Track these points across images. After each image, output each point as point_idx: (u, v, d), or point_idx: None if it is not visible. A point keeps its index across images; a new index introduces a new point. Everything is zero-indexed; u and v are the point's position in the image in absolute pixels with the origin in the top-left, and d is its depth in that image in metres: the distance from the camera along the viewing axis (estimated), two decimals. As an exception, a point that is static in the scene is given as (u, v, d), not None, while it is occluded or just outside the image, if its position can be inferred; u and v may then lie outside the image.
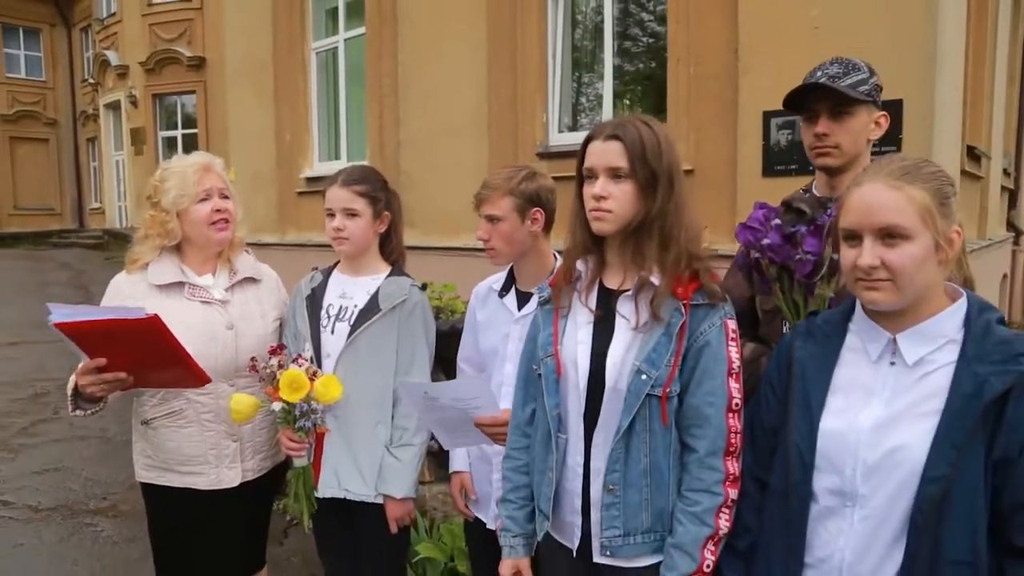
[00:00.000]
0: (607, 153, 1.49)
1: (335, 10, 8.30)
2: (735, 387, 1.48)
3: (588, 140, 1.55)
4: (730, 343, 1.49)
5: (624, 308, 1.53)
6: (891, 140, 4.34)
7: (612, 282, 1.58)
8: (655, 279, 1.49)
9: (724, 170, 4.96)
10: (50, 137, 21.99)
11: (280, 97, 8.78)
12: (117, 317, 1.69)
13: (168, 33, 14.40)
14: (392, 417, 2.11)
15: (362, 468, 2.08)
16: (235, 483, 2.08)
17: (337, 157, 8.52)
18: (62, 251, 17.06)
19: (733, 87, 4.91)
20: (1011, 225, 8.13)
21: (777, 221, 1.64)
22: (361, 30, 7.72)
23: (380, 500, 2.08)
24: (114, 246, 15.91)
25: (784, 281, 1.63)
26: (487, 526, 2.05)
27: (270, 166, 8.86)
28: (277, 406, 1.91)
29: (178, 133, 15.27)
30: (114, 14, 15.92)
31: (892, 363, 1.31)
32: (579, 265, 1.60)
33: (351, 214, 2.10)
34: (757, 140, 4.76)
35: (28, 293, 10.49)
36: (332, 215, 2.12)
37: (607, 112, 5.97)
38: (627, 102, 6.48)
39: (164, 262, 2.10)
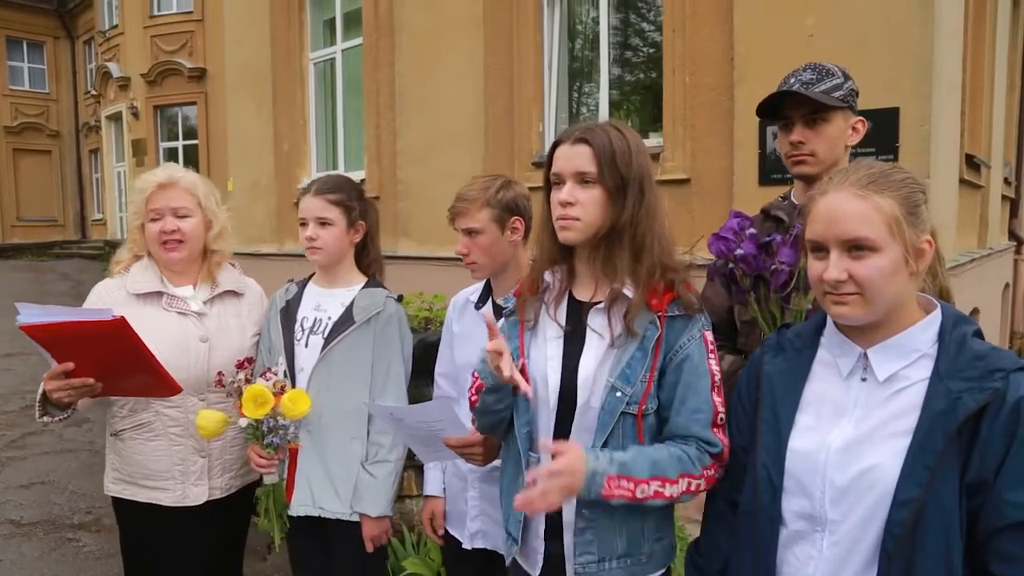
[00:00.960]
0: (575, 157, 1.43)
1: (332, 21, 8.31)
2: (719, 401, 1.42)
3: (556, 144, 1.48)
4: (710, 355, 1.44)
5: (596, 322, 1.46)
6: (888, 149, 4.30)
7: (582, 294, 1.51)
8: (628, 291, 1.42)
9: (720, 179, 4.93)
10: (53, 149, 22.05)
11: (278, 108, 8.79)
12: (83, 319, 1.66)
13: (169, 45, 14.41)
14: (368, 433, 2.05)
15: (337, 485, 2.02)
16: (201, 500, 2.03)
17: (335, 167, 8.51)
18: (63, 262, 17.09)
19: (729, 96, 4.88)
20: (1012, 234, 8.07)
21: (752, 230, 1.59)
22: (358, 41, 7.73)
23: (356, 518, 2.02)
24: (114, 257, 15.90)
25: (760, 292, 1.57)
26: (463, 545, 1.98)
27: (268, 176, 8.87)
28: (244, 422, 1.87)
29: (179, 144, 15.28)
30: (116, 26, 15.97)
31: (863, 379, 1.25)
32: (547, 276, 1.53)
33: (324, 223, 2.06)
34: (753, 149, 4.72)
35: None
36: (305, 224, 2.07)
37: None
38: (624, 112, 6.45)
39: (145, 271, 2.08)
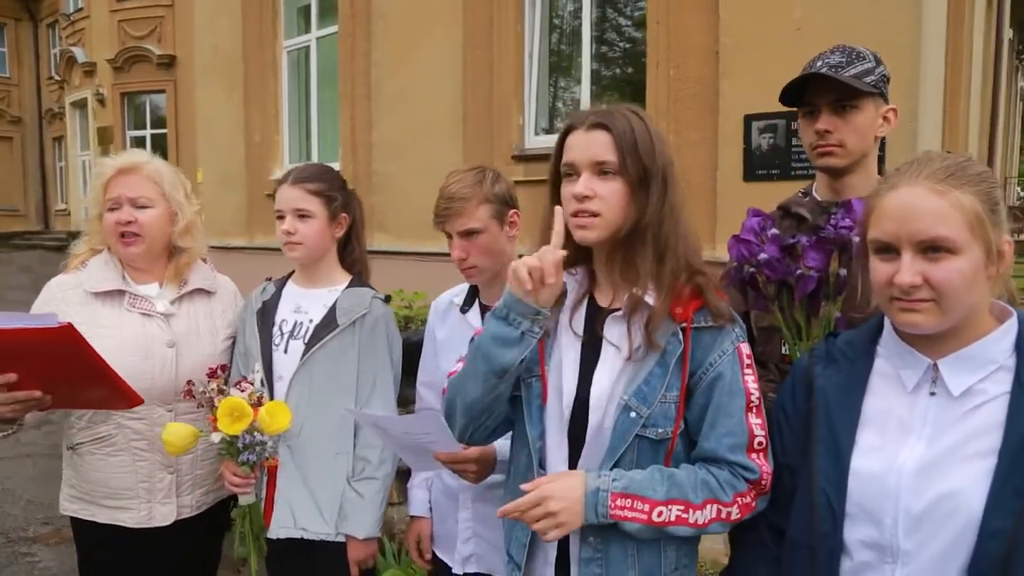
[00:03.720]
0: (592, 145, 1.27)
1: (307, 8, 8.09)
2: (756, 423, 1.27)
3: (567, 131, 1.32)
4: (746, 372, 1.29)
5: (612, 332, 1.31)
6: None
7: (602, 299, 1.37)
8: (650, 298, 1.28)
9: (705, 175, 4.85)
10: (14, 135, 21.43)
11: (250, 96, 8.56)
12: (24, 326, 1.46)
13: (137, 30, 14.00)
14: (354, 447, 1.89)
15: (321, 504, 1.86)
16: (168, 521, 1.86)
17: (308, 158, 8.31)
18: (24, 253, 16.52)
19: (714, 90, 4.80)
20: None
21: (774, 231, 1.46)
22: (334, 28, 7.53)
23: (342, 539, 1.87)
24: (80, 248, 15.48)
25: (783, 299, 1.45)
26: (453, 570, 1.84)
27: (239, 167, 8.65)
28: (217, 437, 1.70)
29: (147, 133, 14.89)
30: (81, 9, 15.49)
31: (932, 393, 1.13)
32: (565, 279, 1.36)
33: (303, 216, 1.88)
34: (738, 144, 4.64)
35: (-14, 297, 10.10)
36: (282, 217, 1.90)
37: (585, 115, 5.85)
38: (606, 104, 6.34)
39: (105, 267, 1.90)
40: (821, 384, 1.22)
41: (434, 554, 1.93)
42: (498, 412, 1.39)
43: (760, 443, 1.27)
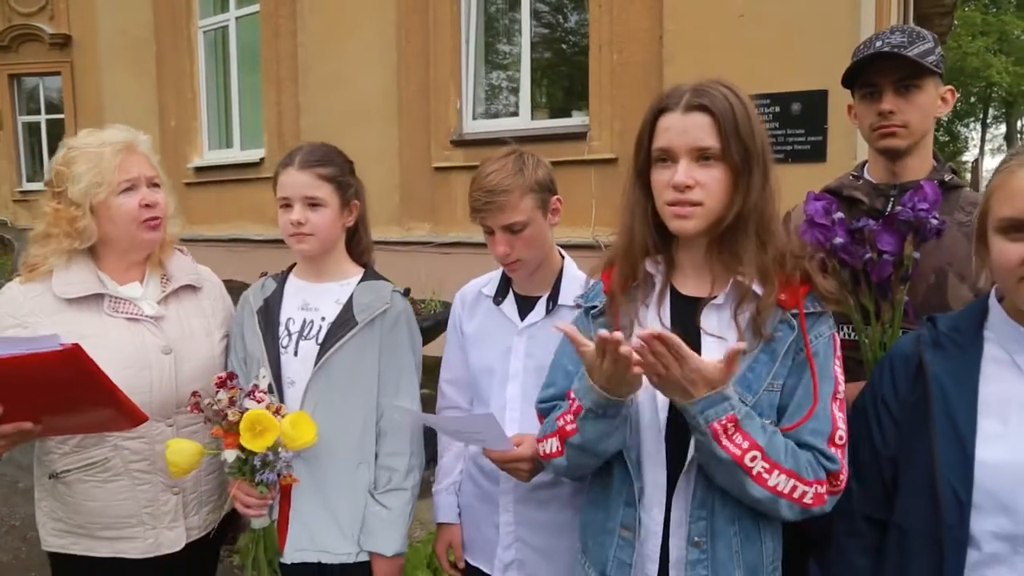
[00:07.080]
0: (692, 128, 1.19)
1: (224, -16, 7.66)
2: (840, 415, 1.22)
3: (658, 112, 1.24)
4: (836, 360, 1.25)
5: (710, 322, 1.25)
6: (817, 130, 4.37)
7: (688, 289, 1.31)
8: (757, 288, 1.23)
9: (651, 160, 4.86)
10: None
11: (163, 80, 8.08)
12: (19, 353, 1.25)
13: (26, 7, 12.93)
14: (376, 455, 1.73)
15: (341, 521, 1.69)
16: (179, 546, 1.67)
17: (229, 146, 7.91)
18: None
19: (658, 75, 4.81)
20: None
21: (840, 215, 1.46)
22: (255, 7, 7.16)
23: (363, 558, 1.72)
24: (-31, 244, 14.34)
25: (849, 284, 1.46)
26: None
27: (153, 155, 8.13)
28: (230, 455, 1.52)
29: (42, 118, 13.85)
30: (-41, -16, 14.26)
31: None
32: (648, 267, 1.31)
33: (314, 204, 1.70)
34: (685, 130, 4.67)
35: None
36: (288, 206, 1.71)
37: (524, 99, 5.77)
38: (546, 88, 6.29)
39: (75, 268, 1.64)
40: (935, 371, 1.20)
41: (466, 562, 1.80)
42: None
43: (841, 437, 1.22)
